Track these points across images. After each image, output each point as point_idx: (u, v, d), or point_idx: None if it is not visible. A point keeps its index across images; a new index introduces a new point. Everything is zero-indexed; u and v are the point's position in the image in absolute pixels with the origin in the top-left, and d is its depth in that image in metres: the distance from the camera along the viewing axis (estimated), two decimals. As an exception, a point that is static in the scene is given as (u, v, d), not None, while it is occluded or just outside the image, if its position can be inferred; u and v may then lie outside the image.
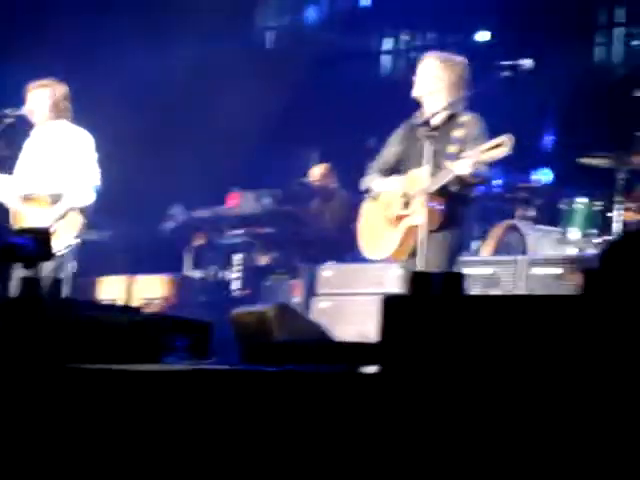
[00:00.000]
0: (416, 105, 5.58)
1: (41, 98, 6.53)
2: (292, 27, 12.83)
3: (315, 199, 10.00)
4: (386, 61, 12.60)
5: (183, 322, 4.32)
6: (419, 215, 5.22)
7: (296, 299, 8.26)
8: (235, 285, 9.96)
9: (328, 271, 7.87)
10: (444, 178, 5.24)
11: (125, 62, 9.36)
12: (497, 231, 7.47)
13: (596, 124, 8.69)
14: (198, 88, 9.83)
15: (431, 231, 5.20)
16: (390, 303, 2.99)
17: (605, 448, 2.57)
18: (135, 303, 8.63)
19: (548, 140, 9.51)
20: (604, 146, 6.95)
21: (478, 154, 5.16)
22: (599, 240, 6.85)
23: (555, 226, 7.39)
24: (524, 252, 7.14)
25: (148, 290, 9.03)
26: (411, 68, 5.64)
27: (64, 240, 6.27)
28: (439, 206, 5.30)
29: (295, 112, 10.82)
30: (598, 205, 6.99)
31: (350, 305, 7.48)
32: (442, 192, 5.28)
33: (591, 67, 10.27)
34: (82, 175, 6.40)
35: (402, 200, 5.44)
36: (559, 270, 6.49)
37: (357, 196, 6.14)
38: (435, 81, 5.44)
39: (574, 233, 7.07)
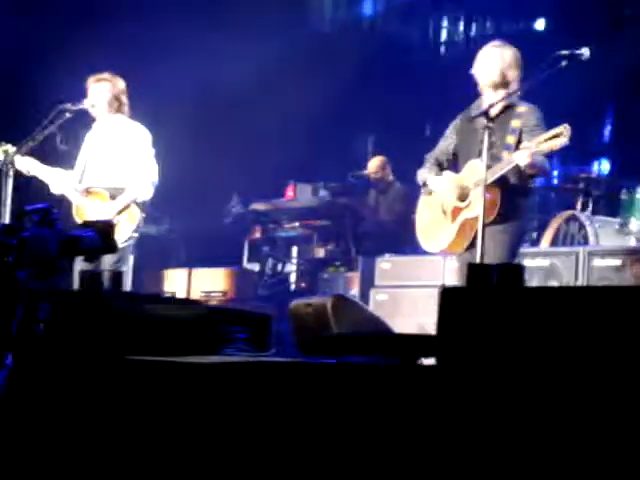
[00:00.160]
0: (474, 95, 5.56)
1: (101, 91, 6.58)
2: (349, 18, 12.84)
3: (371, 191, 10.00)
4: (444, 51, 12.56)
5: (243, 315, 4.35)
6: (476, 207, 5.19)
7: (353, 291, 8.26)
8: (292, 278, 10.00)
9: (386, 263, 7.87)
10: (503, 169, 5.21)
11: (181, 57, 9.42)
12: (557, 222, 7.41)
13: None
14: (255, 83, 9.86)
15: (490, 223, 5.16)
16: (448, 295, 2.98)
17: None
18: (195, 296, 8.71)
19: (607, 130, 9.41)
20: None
21: (537, 144, 5.13)
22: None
23: (615, 216, 7.31)
24: (584, 243, 7.08)
25: (208, 283, 9.10)
26: (468, 58, 5.61)
27: (124, 233, 6.34)
28: (496, 197, 5.26)
29: (352, 103, 10.82)
30: (659, 195, 6.93)
31: (407, 297, 7.47)
32: (500, 183, 5.25)
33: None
34: (141, 170, 6.46)
35: (458, 192, 5.42)
36: (619, 261, 6.42)
37: (413, 187, 6.11)
38: (495, 71, 5.42)
39: (634, 223, 6.99)
